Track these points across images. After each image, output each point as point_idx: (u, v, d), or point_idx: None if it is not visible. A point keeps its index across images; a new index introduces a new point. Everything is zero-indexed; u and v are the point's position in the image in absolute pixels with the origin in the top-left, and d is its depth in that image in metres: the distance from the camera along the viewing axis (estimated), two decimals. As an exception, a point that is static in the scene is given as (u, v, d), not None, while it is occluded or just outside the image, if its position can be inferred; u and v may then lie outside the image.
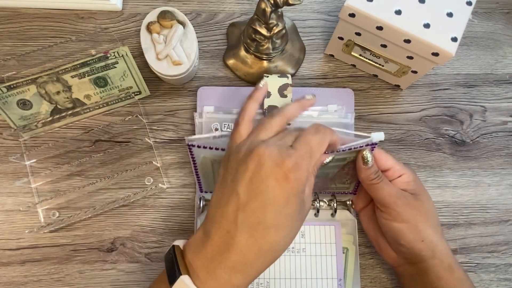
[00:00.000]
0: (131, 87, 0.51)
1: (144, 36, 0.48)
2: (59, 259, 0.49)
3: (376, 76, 0.56)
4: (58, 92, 0.49)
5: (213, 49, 0.56)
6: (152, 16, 0.48)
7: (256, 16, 0.49)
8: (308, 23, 0.58)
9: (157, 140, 0.53)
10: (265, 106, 0.51)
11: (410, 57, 0.48)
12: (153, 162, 0.51)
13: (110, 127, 0.53)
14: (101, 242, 0.50)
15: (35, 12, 0.55)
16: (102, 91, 0.50)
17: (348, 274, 0.49)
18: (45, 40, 0.55)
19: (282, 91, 0.51)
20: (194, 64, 0.50)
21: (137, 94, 0.52)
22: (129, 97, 0.52)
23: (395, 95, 0.56)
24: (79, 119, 0.52)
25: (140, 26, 0.48)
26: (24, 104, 0.49)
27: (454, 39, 0.44)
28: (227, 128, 0.52)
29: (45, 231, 0.50)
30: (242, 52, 0.54)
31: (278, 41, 0.52)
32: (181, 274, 0.34)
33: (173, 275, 0.35)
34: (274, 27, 0.49)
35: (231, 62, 0.55)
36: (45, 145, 0.51)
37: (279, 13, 0.49)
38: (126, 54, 0.48)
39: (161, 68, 0.48)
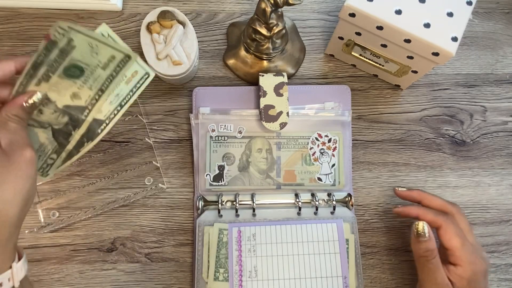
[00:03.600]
0: (113, 57, 0.39)
1: (144, 36, 0.48)
2: (59, 259, 0.49)
3: (376, 76, 0.56)
4: (40, 111, 0.39)
5: (213, 49, 0.56)
6: (152, 16, 0.48)
7: (256, 16, 0.49)
8: (308, 23, 0.58)
9: (157, 140, 0.53)
10: (261, 106, 0.51)
11: (410, 57, 0.48)
12: (153, 162, 0.51)
13: (110, 127, 0.53)
14: (101, 242, 0.50)
15: (35, 12, 0.55)
16: (85, 80, 0.39)
17: (350, 266, 0.49)
18: (45, 40, 0.55)
19: (278, 89, 0.51)
20: (194, 64, 0.50)
21: (127, 61, 0.39)
22: (123, 65, 0.39)
23: (395, 95, 0.56)
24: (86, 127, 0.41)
25: (140, 26, 0.48)
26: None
27: (454, 39, 0.44)
28: (223, 129, 0.52)
29: (45, 231, 0.50)
30: (242, 52, 0.54)
31: (278, 41, 0.52)
32: None
33: None
34: (274, 27, 0.49)
35: (231, 62, 0.55)
36: (45, 145, 0.51)
37: (279, 13, 0.49)
38: (71, 29, 0.38)
39: (161, 68, 0.48)
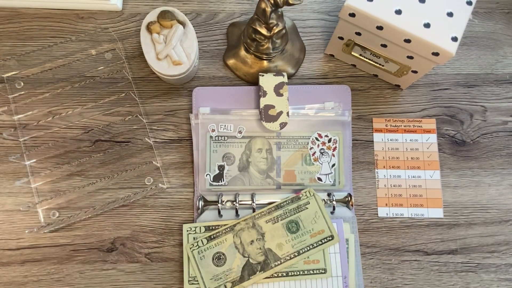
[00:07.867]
0: (323, 231, 0.48)
1: (144, 36, 0.48)
2: (59, 259, 0.49)
3: (376, 76, 0.56)
4: (251, 242, 0.48)
5: (213, 49, 0.56)
6: (152, 16, 0.48)
7: (256, 16, 0.49)
8: (308, 23, 0.58)
9: (157, 140, 0.53)
10: (261, 106, 0.51)
11: (410, 57, 0.48)
12: (153, 162, 0.51)
13: (110, 127, 0.53)
14: (101, 242, 0.50)
15: (35, 12, 0.55)
16: (294, 237, 0.48)
17: (350, 266, 0.49)
18: (45, 40, 0.55)
19: (278, 89, 0.51)
20: (194, 64, 0.50)
21: (329, 240, 0.48)
22: (320, 244, 0.48)
23: (395, 95, 0.56)
24: (267, 275, 0.47)
25: (140, 26, 0.48)
26: (219, 258, 0.47)
27: (454, 39, 0.44)
28: (223, 129, 0.52)
29: (45, 231, 0.50)
30: (242, 52, 0.54)
31: (278, 41, 0.52)
32: None
33: None
34: (274, 27, 0.49)
35: (231, 62, 0.55)
36: (45, 145, 0.51)
37: (279, 13, 0.49)
38: (314, 195, 0.49)
39: (161, 68, 0.48)
